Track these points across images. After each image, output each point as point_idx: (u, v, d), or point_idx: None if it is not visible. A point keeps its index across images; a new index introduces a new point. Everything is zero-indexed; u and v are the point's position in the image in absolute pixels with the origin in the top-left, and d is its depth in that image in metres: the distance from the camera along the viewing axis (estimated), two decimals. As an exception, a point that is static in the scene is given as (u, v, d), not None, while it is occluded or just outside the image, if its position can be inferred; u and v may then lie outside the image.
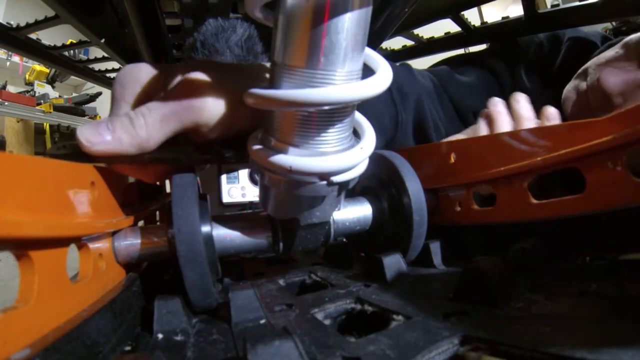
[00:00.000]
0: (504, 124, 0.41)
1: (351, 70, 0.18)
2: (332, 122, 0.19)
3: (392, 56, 0.77)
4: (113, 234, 0.23)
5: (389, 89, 0.47)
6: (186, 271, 0.20)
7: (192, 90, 0.23)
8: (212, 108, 0.23)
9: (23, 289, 0.14)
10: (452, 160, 0.32)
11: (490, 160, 0.28)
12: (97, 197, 0.21)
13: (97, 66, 0.81)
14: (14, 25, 0.59)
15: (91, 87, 2.99)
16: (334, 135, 0.20)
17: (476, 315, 0.18)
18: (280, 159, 0.20)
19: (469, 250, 0.31)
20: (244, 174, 0.62)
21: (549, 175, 0.26)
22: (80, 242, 0.19)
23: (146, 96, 0.24)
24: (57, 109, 2.60)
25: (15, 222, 0.13)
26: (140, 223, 0.28)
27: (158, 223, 0.38)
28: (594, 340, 0.13)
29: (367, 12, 0.17)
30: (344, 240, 0.36)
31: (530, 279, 0.22)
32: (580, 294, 0.19)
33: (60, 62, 0.72)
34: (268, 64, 0.23)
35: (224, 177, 0.61)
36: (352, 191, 0.30)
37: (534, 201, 0.26)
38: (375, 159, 0.29)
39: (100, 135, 0.21)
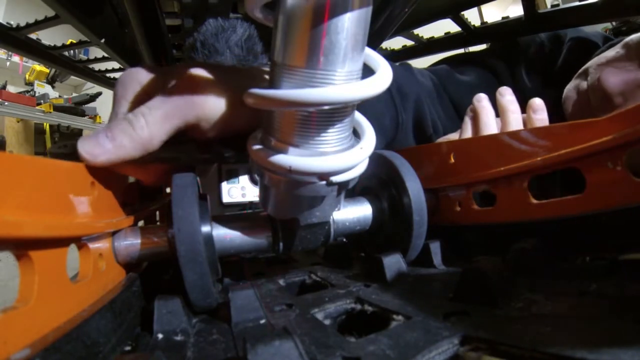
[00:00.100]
0: (488, 118, 0.41)
1: (351, 70, 0.18)
2: (332, 122, 0.19)
3: (392, 56, 0.77)
4: (113, 234, 0.23)
5: (389, 90, 0.47)
6: (186, 271, 0.20)
7: (193, 85, 0.23)
8: (213, 103, 0.23)
9: (23, 289, 0.14)
10: (452, 160, 0.32)
11: (490, 160, 0.28)
12: (97, 197, 0.21)
13: (97, 66, 0.81)
14: (14, 25, 0.59)
15: (91, 87, 2.99)
16: (333, 135, 0.20)
17: (476, 315, 0.18)
18: (280, 158, 0.20)
19: (469, 250, 0.31)
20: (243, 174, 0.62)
21: (549, 175, 0.26)
22: (80, 242, 0.19)
23: (146, 95, 0.24)
24: (57, 109, 2.60)
25: (15, 222, 0.13)
26: (140, 223, 0.28)
27: (158, 223, 0.38)
28: (594, 340, 0.13)
29: (367, 12, 0.17)
30: (344, 240, 0.36)
31: (530, 279, 0.22)
32: (580, 294, 0.19)
33: (60, 62, 0.72)
34: (266, 66, 0.23)
35: (223, 177, 0.61)
36: (352, 191, 0.30)
37: (534, 201, 0.26)
38: (375, 159, 0.29)
39: (100, 146, 0.21)
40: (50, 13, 0.52)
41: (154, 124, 0.22)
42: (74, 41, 0.66)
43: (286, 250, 0.27)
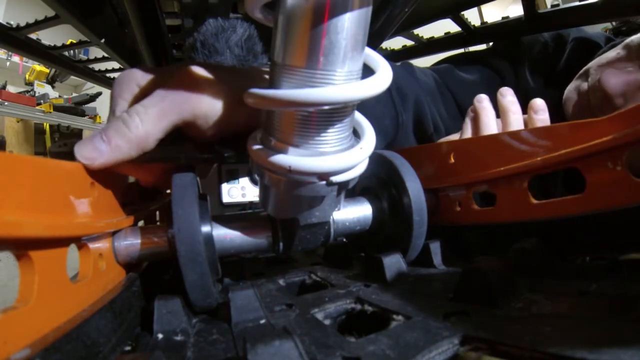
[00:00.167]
0: (489, 119, 0.40)
1: (351, 70, 0.18)
2: (332, 122, 0.19)
3: (392, 56, 0.77)
4: (113, 234, 0.23)
5: (389, 90, 0.47)
6: (186, 271, 0.20)
7: (190, 83, 0.23)
8: (210, 100, 0.23)
9: (23, 289, 0.14)
10: (452, 160, 0.32)
11: (490, 160, 0.28)
12: (97, 197, 0.21)
13: (97, 66, 0.81)
14: (14, 25, 0.58)
15: (91, 87, 3.00)
16: (333, 135, 0.20)
17: (476, 315, 0.18)
18: (279, 158, 0.20)
19: (469, 250, 0.31)
20: (243, 173, 0.62)
21: (550, 175, 0.26)
22: (80, 242, 0.19)
23: (143, 94, 0.24)
24: (57, 109, 2.60)
25: (15, 222, 0.13)
26: (140, 223, 0.28)
27: (158, 223, 0.38)
28: (594, 340, 0.13)
29: (367, 12, 0.17)
30: (344, 240, 0.36)
31: (530, 279, 0.22)
32: (580, 294, 0.19)
33: (60, 62, 0.72)
34: (266, 66, 0.23)
35: (223, 177, 0.61)
36: (352, 191, 0.30)
37: (534, 201, 0.26)
38: (375, 159, 0.29)
39: (97, 150, 0.21)
40: (50, 13, 0.52)
41: (149, 121, 0.22)
42: (74, 41, 0.66)
43: (286, 250, 0.27)
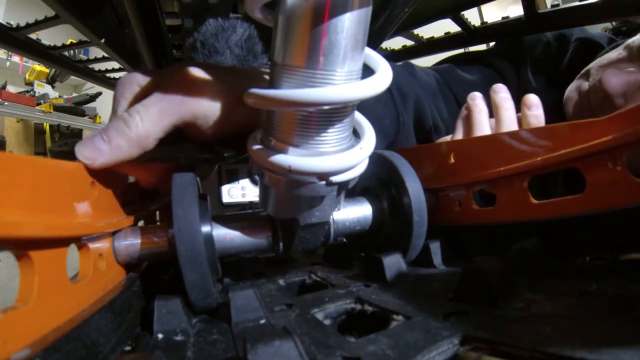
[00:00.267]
0: (481, 117, 0.40)
1: (351, 70, 0.18)
2: (332, 122, 0.19)
3: (392, 56, 0.77)
4: (113, 234, 0.23)
5: (389, 91, 0.47)
6: (186, 271, 0.20)
7: (190, 83, 0.23)
8: (209, 100, 0.23)
9: (23, 289, 0.14)
10: (452, 160, 0.32)
11: (490, 160, 0.28)
12: (97, 197, 0.21)
13: (97, 66, 0.81)
14: (14, 25, 0.59)
15: (91, 87, 3.00)
16: (333, 135, 0.20)
17: (476, 315, 0.18)
18: (279, 158, 0.20)
19: (469, 250, 0.31)
20: (243, 173, 0.62)
21: (550, 175, 0.26)
22: (80, 242, 0.19)
23: (144, 94, 0.24)
24: (57, 109, 2.60)
25: (15, 222, 0.13)
26: (140, 223, 0.28)
27: (158, 223, 0.38)
28: (594, 340, 0.13)
29: (367, 12, 0.17)
30: (344, 240, 0.36)
31: (530, 279, 0.22)
32: (580, 294, 0.19)
33: (60, 62, 0.72)
34: (266, 66, 0.23)
35: (223, 177, 0.61)
36: (352, 191, 0.30)
37: (534, 201, 0.26)
38: (375, 159, 0.29)
39: (97, 150, 0.21)
40: (50, 13, 0.52)
41: (149, 120, 0.22)
42: (74, 41, 0.66)
43: (286, 250, 0.27)
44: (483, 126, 0.40)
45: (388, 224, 0.30)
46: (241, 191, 0.61)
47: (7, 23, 0.64)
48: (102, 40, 0.56)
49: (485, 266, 0.20)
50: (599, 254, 0.24)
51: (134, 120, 0.22)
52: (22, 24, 0.58)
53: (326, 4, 0.16)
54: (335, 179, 0.21)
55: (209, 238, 0.23)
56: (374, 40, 0.52)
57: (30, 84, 2.77)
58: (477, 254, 0.30)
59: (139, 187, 0.31)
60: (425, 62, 0.67)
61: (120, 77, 0.26)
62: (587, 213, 0.23)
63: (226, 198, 0.60)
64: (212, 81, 0.24)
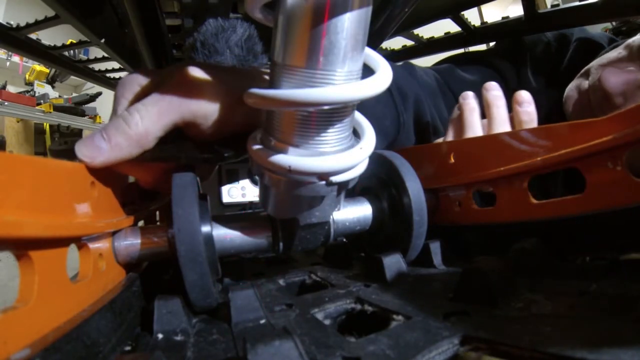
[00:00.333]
0: (472, 116, 0.40)
1: (351, 70, 0.18)
2: (332, 122, 0.19)
3: (392, 56, 0.77)
4: (113, 234, 0.23)
5: (389, 91, 0.47)
6: (186, 271, 0.20)
7: (190, 82, 0.23)
8: (209, 99, 0.23)
9: (23, 289, 0.14)
10: (452, 160, 0.32)
11: (490, 160, 0.28)
12: (97, 197, 0.21)
13: (97, 66, 0.81)
14: (14, 25, 0.58)
15: (91, 87, 3.00)
16: (333, 135, 0.20)
17: (476, 315, 0.18)
18: (279, 158, 0.20)
19: (469, 250, 0.31)
20: (243, 173, 0.62)
21: (550, 175, 0.26)
22: (80, 242, 0.19)
23: (144, 94, 0.24)
24: (57, 109, 2.60)
25: (15, 222, 0.13)
26: (140, 223, 0.28)
27: (158, 223, 0.38)
28: (594, 340, 0.13)
29: (367, 12, 0.17)
30: (344, 240, 0.36)
31: (530, 279, 0.22)
32: (580, 294, 0.19)
33: (60, 62, 0.72)
34: (265, 67, 0.23)
35: (223, 177, 0.61)
36: (352, 191, 0.30)
37: (534, 201, 0.26)
38: (375, 159, 0.29)
39: (97, 148, 0.21)
40: (50, 13, 0.52)
41: (149, 118, 0.22)
42: (74, 41, 0.66)
43: (286, 250, 0.27)
44: (474, 126, 0.40)
45: (388, 224, 0.30)
46: (241, 191, 0.61)
47: (7, 23, 0.64)
48: (102, 40, 0.56)
49: (485, 266, 0.20)
50: (599, 254, 0.24)
51: (134, 118, 0.22)
52: (22, 24, 0.58)
53: (326, 4, 0.16)
54: (335, 179, 0.21)
55: (209, 238, 0.23)
56: (374, 40, 0.52)
57: (30, 84, 2.78)
58: (477, 254, 0.30)
59: (139, 187, 0.31)
60: (425, 62, 0.67)
61: (120, 77, 0.26)
62: (587, 213, 0.23)
63: (226, 198, 0.60)
64: (212, 81, 0.24)
